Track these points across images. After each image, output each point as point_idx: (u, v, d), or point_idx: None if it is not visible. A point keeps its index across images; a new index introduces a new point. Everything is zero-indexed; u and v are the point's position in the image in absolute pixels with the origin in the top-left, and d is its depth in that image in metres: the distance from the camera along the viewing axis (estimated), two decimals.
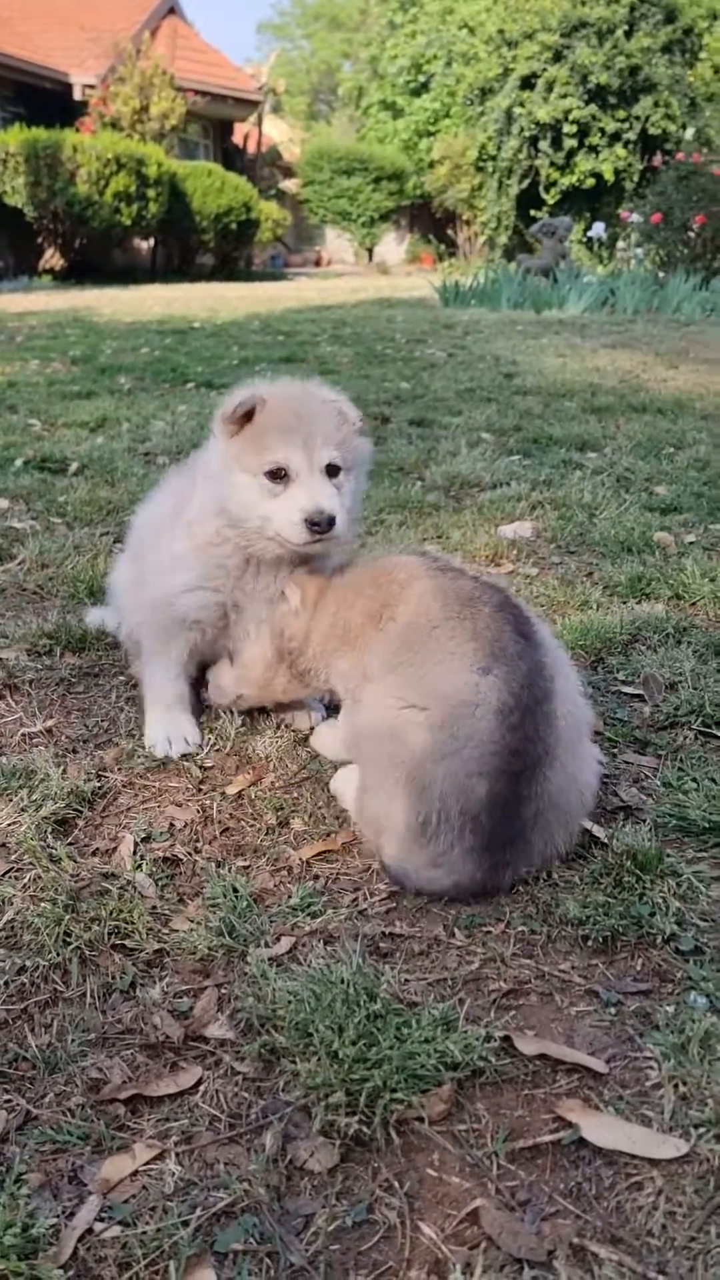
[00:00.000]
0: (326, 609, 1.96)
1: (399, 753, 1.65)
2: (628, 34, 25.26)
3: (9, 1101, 1.33)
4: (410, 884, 1.68)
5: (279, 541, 1.94)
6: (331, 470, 1.93)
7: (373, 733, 1.70)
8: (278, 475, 1.91)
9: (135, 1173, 1.23)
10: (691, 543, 3.50)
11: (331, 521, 1.89)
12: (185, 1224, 1.16)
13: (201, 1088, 1.36)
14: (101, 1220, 1.17)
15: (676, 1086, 1.32)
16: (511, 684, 1.62)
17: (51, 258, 19.69)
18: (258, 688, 2.12)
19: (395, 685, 1.71)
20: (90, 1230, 1.16)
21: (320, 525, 1.88)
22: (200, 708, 2.31)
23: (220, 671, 2.21)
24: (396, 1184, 1.22)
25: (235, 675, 2.15)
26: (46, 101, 21.83)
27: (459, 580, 1.80)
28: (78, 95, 22.27)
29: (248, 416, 1.94)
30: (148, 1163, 1.25)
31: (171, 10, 26.62)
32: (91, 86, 21.97)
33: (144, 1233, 1.15)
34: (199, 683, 2.33)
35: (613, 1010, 1.47)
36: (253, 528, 1.95)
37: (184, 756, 2.13)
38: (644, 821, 1.89)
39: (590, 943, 1.59)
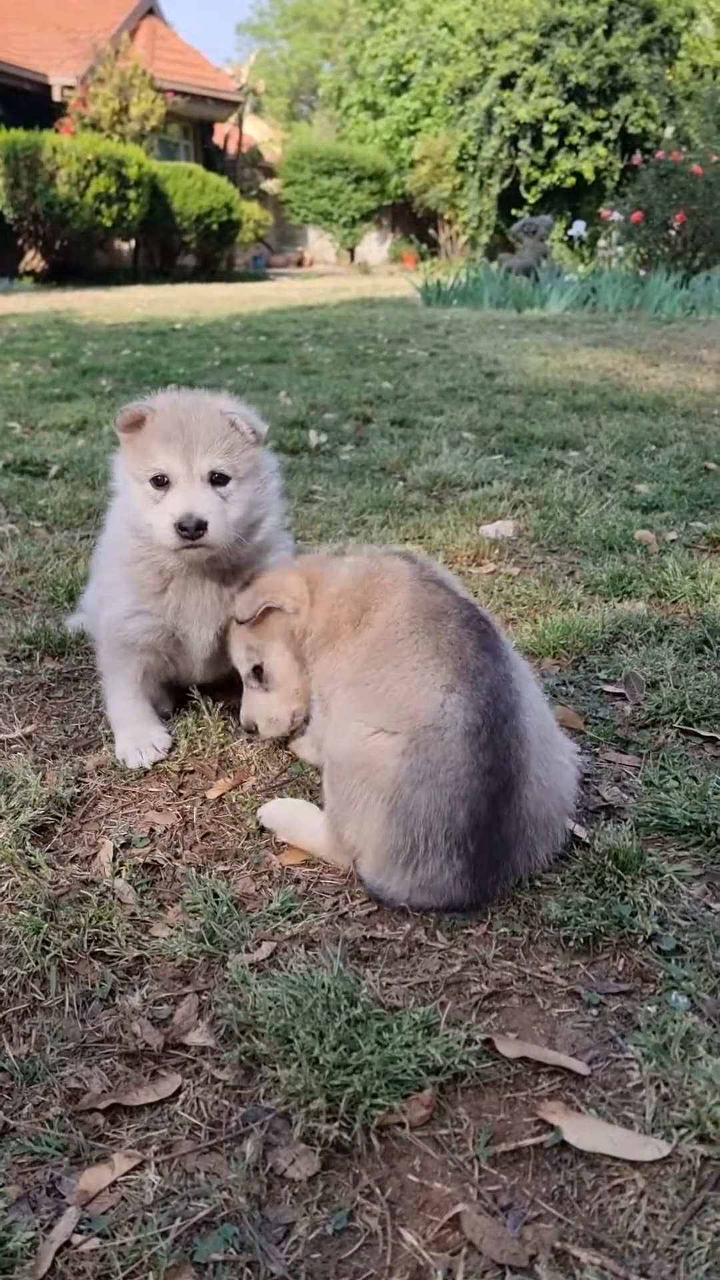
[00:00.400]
0: (325, 603, 1.94)
1: (376, 780, 1.62)
2: (607, 33, 25.33)
3: None
4: (390, 899, 1.67)
5: (163, 549, 1.97)
6: (217, 478, 1.95)
7: (347, 763, 1.66)
8: (159, 482, 1.94)
9: (114, 1183, 1.22)
10: (673, 540, 3.50)
11: (201, 526, 1.89)
12: (165, 1235, 1.15)
13: (181, 1096, 1.35)
14: (80, 1232, 1.16)
15: (658, 1087, 1.32)
16: (477, 700, 1.60)
17: (32, 259, 19.61)
18: (301, 699, 2.08)
19: (360, 706, 1.69)
20: (69, 1243, 1.14)
21: (188, 530, 1.89)
22: (171, 711, 2.31)
23: (253, 708, 2.10)
24: (378, 1190, 1.21)
25: (277, 696, 2.07)
26: (25, 103, 21.72)
27: (435, 594, 1.78)
28: (57, 96, 22.19)
29: (138, 425, 1.98)
30: (127, 1173, 1.24)
31: (150, 11, 26.55)
32: (70, 87, 21.89)
33: (123, 1244, 1.14)
34: (173, 690, 2.33)
35: (594, 1011, 1.47)
36: (145, 536, 1.99)
37: (157, 762, 2.13)
38: (625, 821, 1.88)
39: (572, 944, 1.59)
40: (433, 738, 1.59)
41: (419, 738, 1.60)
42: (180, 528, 1.89)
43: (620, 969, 1.55)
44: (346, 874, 1.77)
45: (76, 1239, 1.15)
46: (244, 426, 1.98)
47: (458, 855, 1.59)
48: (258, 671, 2.05)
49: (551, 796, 1.70)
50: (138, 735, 2.15)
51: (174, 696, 2.35)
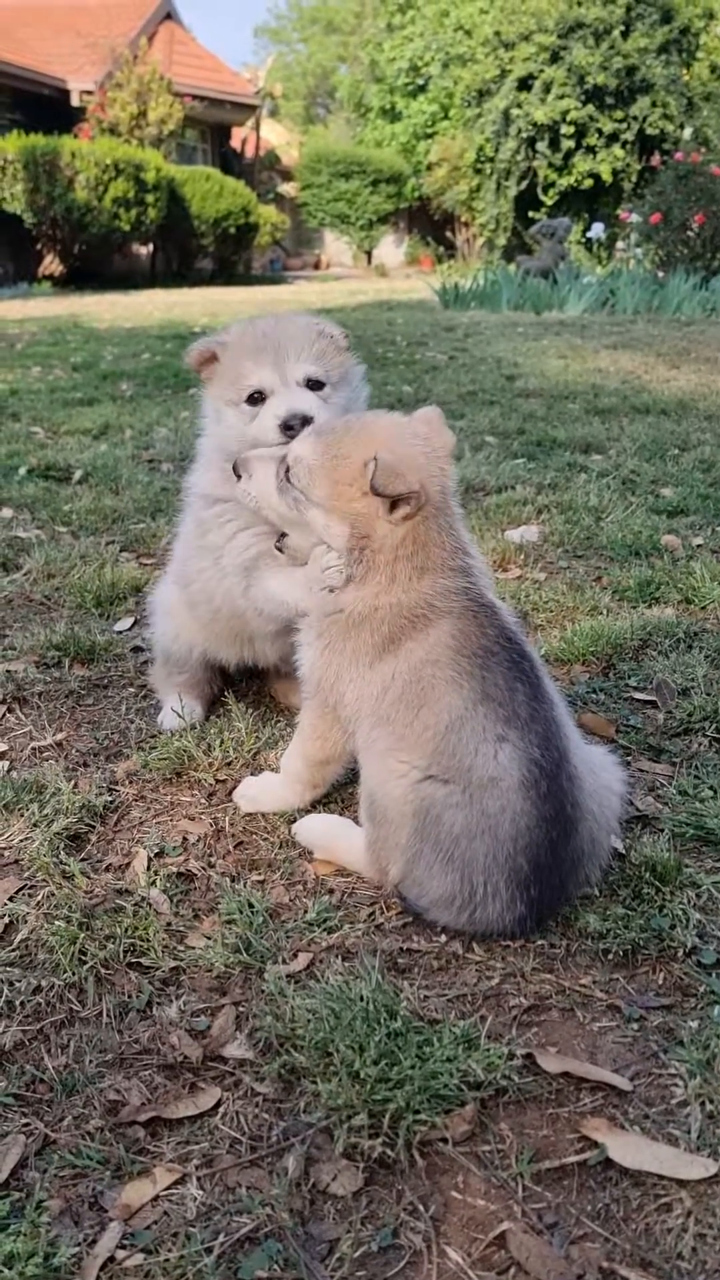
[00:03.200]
0: (405, 583, 1.67)
1: (429, 831, 1.58)
2: (624, 34, 25.23)
3: (27, 1125, 1.32)
4: (433, 920, 1.65)
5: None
6: (313, 384, 1.89)
7: (395, 810, 1.62)
8: (255, 399, 1.87)
9: (156, 1198, 1.22)
10: (699, 545, 3.48)
11: (306, 421, 1.80)
12: (208, 1251, 1.14)
13: (221, 1109, 1.34)
14: (123, 1248, 1.15)
15: (703, 1104, 1.31)
16: (530, 752, 1.57)
17: (50, 264, 19.71)
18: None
19: (402, 745, 1.63)
20: (112, 1258, 1.14)
21: (294, 427, 1.80)
22: (205, 715, 2.31)
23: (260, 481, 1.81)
24: (421, 1207, 1.20)
25: (275, 512, 1.81)
26: (44, 108, 21.84)
27: (484, 629, 1.65)
28: (75, 101, 22.29)
29: (213, 360, 1.94)
30: (169, 1187, 1.23)
31: (168, 16, 26.64)
32: (89, 92, 21.99)
33: (167, 1260, 1.13)
34: (211, 689, 2.33)
35: (635, 1026, 1.45)
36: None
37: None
38: (661, 831, 1.87)
39: (610, 956, 1.58)
40: (489, 788, 1.56)
41: (474, 790, 1.56)
42: (285, 426, 1.81)
43: (660, 983, 1.53)
44: (380, 885, 1.76)
45: (120, 1254, 1.14)
46: (332, 332, 1.95)
47: (521, 901, 1.57)
48: (291, 488, 1.71)
49: (602, 826, 1.68)
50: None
51: (213, 693, 2.36)
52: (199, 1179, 1.24)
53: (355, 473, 1.63)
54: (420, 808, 1.59)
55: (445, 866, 1.58)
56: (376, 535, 1.65)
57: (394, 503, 1.62)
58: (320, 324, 1.95)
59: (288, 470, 1.70)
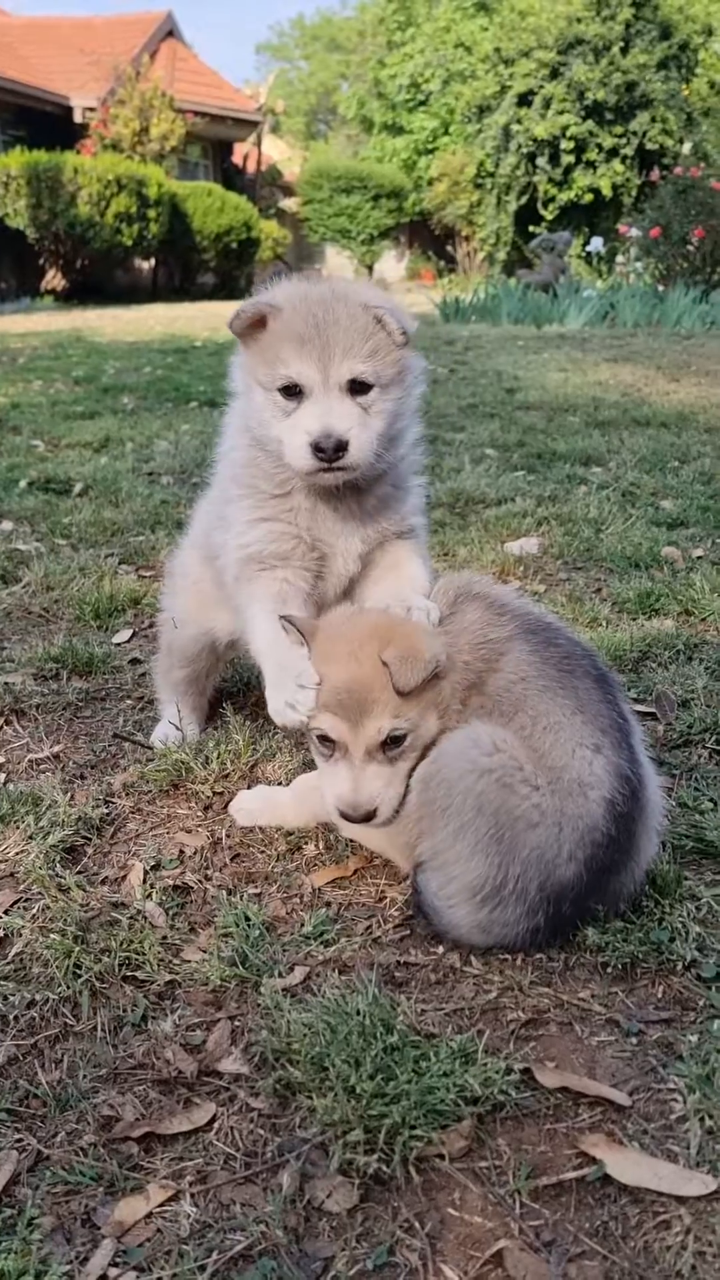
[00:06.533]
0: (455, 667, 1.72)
1: (493, 803, 1.54)
2: (624, 50, 25.42)
3: (19, 1141, 1.30)
4: (441, 927, 1.61)
5: (296, 472, 1.70)
6: (357, 387, 1.66)
7: (460, 770, 1.58)
8: (291, 391, 1.66)
9: (149, 1214, 1.20)
10: (699, 557, 3.47)
11: (341, 447, 1.61)
12: (202, 1269, 1.13)
13: (215, 1125, 1.33)
14: (116, 1265, 1.14)
15: (703, 1120, 1.29)
16: (621, 769, 1.56)
17: (53, 279, 19.79)
18: None
19: (493, 731, 1.61)
20: (104, 1276, 1.12)
21: (326, 452, 1.61)
22: (201, 729, 2.30)
23: (373, 785, 1.68)
24: (417, 1224, 1.19)
25: (404, 768, 1.72)
26: (47, 124, 21.99)
27: (554, 641, 1.70)
28: (78, 118, 22.46)
29: (260, 324, 1.70)
30: (162, 1204, 1.22)
31: (170, 33, 26.82)
32: (92, 109, 22.15)
33: (159, 1278, 1.12)
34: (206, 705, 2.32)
35: (634, 1040, 1.44)
36: (273, 451, 1.73)
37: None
38: (661, 844, 1.85)
39: (609, 970, 1.56)
40: (576, 792, 1.54)
41: (561, 786, 1.55)
42: (317, 449, 1.61)
43: (660, 996, 1.52)
44: (378, 897, 1.75)
45: (112, 1272, 1.13)
46: (391, 324, 1.68)
47: (544, 912, 1.54)
48: (396, 741, 1.68)
49: (642, 866, 1.66)
50: (288, 667, 1.70)
51: (207, 703, 2.36)
52: (193, 1195, 1.23)
53: (421, 678, 1.64)
54: (493, 778, 1.54)
55: (489, 845, 1.52)
56: (444, 691, 1.70)
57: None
58: (381, 309, 1.67)
59: (387, 745, 1.67)
